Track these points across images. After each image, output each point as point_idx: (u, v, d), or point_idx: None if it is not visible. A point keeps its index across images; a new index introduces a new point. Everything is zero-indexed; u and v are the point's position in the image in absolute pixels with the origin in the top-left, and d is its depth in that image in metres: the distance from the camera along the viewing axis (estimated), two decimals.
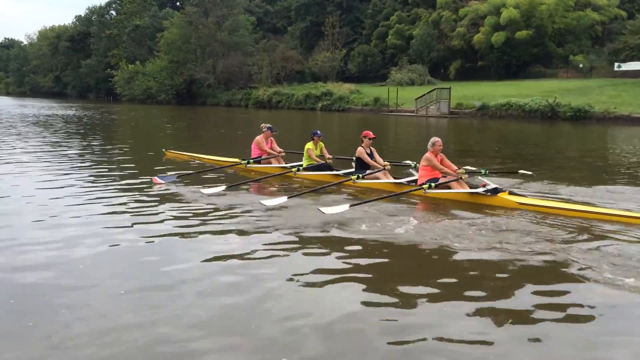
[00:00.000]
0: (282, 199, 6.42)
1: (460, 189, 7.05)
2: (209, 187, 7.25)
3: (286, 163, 9.06)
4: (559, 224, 5.79)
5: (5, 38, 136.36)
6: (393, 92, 37.67)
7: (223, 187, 7.16)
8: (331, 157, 8.62)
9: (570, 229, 5.58)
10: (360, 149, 8.01)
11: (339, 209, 5.97)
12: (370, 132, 8.07)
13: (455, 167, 7.24)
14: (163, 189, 7.60)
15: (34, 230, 5.43)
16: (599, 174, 10.19)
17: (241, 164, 9.16)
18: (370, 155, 8.05)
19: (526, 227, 5.63)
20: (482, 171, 7.77)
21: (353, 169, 8.20)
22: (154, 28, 60.98)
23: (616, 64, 38.06)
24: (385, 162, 7.95)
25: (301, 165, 8.53)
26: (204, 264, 4.48)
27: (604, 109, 26.80)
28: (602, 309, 3.67)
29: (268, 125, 9.33)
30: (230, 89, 50.92)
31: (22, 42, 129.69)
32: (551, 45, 45.62)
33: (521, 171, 8.46)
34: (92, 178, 8.65)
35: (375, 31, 57.83)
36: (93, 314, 3.49)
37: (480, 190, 6.83)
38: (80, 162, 10.79)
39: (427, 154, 7.24)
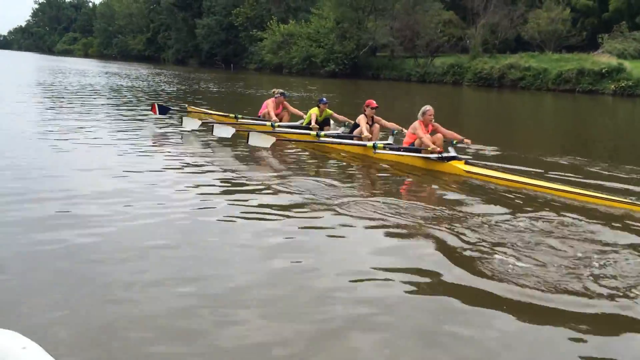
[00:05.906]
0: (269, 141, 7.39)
1: (409, 153, 6.97)
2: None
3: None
4: (508, 195, 5.56)
5: None
6: None
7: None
8: (346, 120, 8.83)
9: (514, 203, 5.27)
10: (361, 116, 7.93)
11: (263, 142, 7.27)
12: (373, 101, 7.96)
13: (457, 136, 7.09)
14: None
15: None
16: None
17: (229, 116, 9.85)
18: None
19: (465, 196, 5.52)
20: (453, 142, 7.09)
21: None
22: None
23: None
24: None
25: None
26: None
27: None
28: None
29: (280, 90, 9.60)
30: (415, 58, 40.90)
31: (88, 2, 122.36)
32: None
33: None
34: None
35: None
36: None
37: (433, 156, 6.71)
38: None
39: (415, 122, 7.05)
